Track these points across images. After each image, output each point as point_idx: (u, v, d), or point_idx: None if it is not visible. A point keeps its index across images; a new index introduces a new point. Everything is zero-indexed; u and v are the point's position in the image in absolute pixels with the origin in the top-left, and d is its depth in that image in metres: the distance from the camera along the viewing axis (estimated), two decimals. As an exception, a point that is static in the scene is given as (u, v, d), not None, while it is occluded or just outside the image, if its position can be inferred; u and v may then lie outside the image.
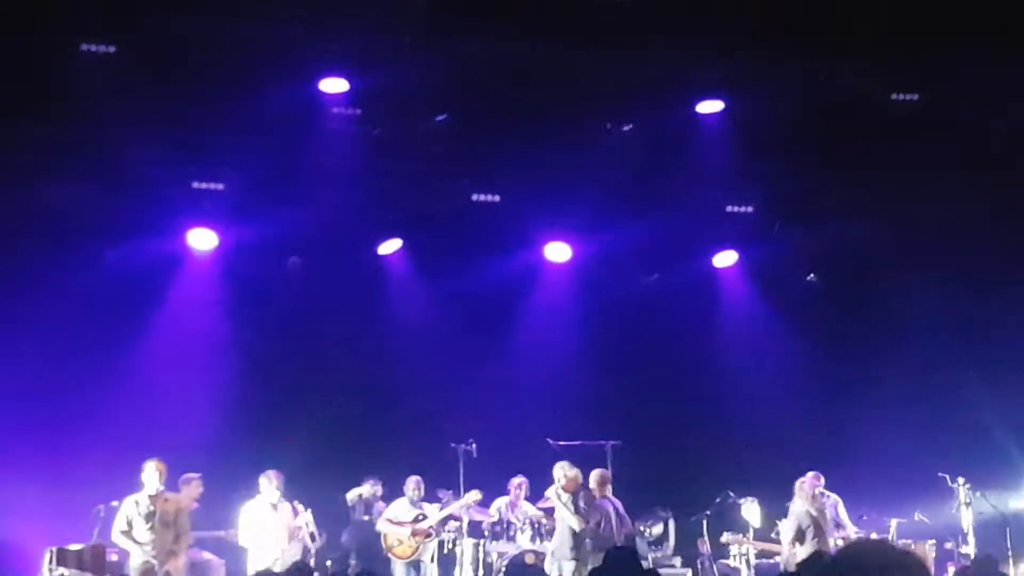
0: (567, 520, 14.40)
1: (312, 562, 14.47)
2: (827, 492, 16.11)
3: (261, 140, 16.21)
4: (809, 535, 14.46)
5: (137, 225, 16.80)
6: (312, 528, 14.97)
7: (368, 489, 16.55)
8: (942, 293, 18.04)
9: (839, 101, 16.48)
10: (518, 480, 16.55)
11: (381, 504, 16.39)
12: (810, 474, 15.94)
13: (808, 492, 14.90)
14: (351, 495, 16.53)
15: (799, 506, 14.75)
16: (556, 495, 14.55)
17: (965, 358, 17.94)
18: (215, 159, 16.81)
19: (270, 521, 14.62)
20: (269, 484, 14.76)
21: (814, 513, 14.71)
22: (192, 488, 14.92)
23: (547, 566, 14.74)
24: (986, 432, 17.62)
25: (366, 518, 16.43)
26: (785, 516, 15.03)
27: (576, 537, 14.35)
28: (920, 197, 17.53)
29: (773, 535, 15.62)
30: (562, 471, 14.65)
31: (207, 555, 15.07)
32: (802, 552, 14.12)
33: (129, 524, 13.40)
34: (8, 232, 16.22)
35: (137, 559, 13.37)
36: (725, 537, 15.83)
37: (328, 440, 17.14)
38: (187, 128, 16.05)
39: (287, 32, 15.23)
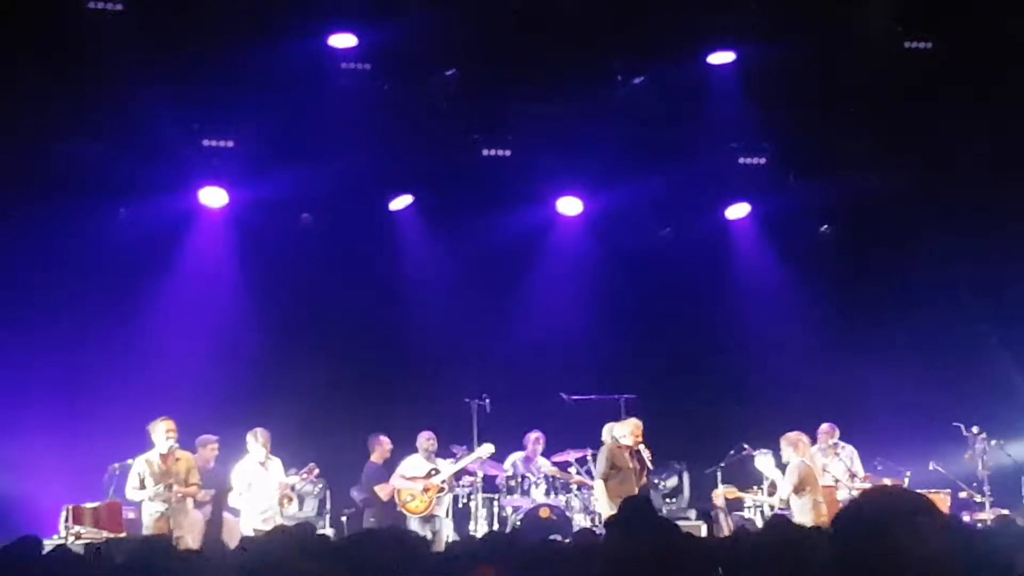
0: None
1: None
2: (842, 443, 16.10)
3: (270, 97, 16.19)
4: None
5: (149, 183, 16.75)
6: (289, 491, 14.81)
7: (379, 454, 16.45)
8: (956, 243, 17.97)
9: (852, 50, 16.38)
10: (535, 435, 16.59)
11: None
12: (825, 425, 15.93)
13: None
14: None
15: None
16: None
17: (981, 307, 17.90)
18: (225, 117, 16.81)
19: (259, 480, 14.58)
20: (255, 441, 14.63)
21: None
22: (208, 451, 14.99)
23: None
24: (1002, 381, 17.60)
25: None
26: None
27: None
28: (934, 147, 17.45)
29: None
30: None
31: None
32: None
33: (142, 482, 13.48)
34: (22, 192, 16.19)
35: (150, 516, 13.44)
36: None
37: (342, 397, 17.20)
38: (196, 86, 16.05)
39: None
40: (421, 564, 5.71)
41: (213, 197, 17.41)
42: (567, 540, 11.00)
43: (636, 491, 14.22)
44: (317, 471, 14.95)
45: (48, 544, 12.39)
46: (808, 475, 14.23)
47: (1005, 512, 14.76)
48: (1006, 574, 4.29)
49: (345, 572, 5.19)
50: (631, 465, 14.52)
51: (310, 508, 15.71)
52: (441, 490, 15.70)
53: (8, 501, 14.97)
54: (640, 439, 14.68)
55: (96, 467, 14.00)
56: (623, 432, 14.67)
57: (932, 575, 3.23)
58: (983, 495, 15.77)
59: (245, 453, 14.76)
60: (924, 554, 3.24)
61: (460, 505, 16.29)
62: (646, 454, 14.81)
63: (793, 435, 14.60)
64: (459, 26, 15.65)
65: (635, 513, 5.14)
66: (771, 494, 15.13)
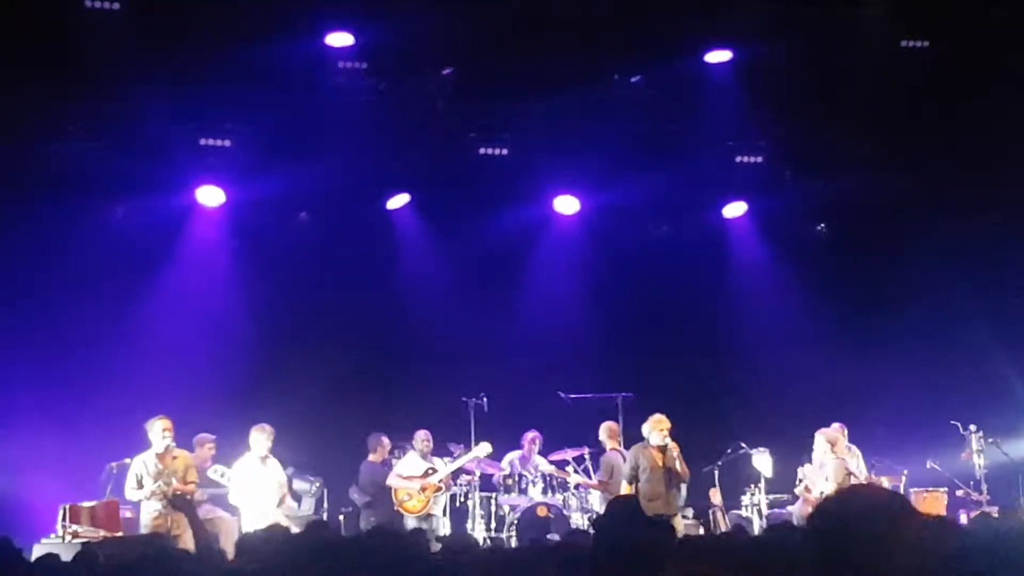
0: None
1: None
2: (850, 444, 16.03)
3: (267, 96, 16.21)
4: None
5: (146, 182, 16.78)
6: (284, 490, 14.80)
7: (380, 454, 16.42)
8: (953, 242, 17.96)
9: (849, 49, 16.38)
10: (531, 434, 16.58)
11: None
12: (835, 425, 15.83)
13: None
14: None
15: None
16: None
17: (977, 306, 17.88)
18: (221, 116, 16.82)
19: (259, 476, 14.52)
20: (260, 434, 14.58)
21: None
22: (205, 450, 14.96)
23: None
24: (998, 380, 17.60)
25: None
26: (797, 465, 15.04)
27: None
28: (930, 146, 17.45)
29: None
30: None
31: (219, 511, 15.12)
32: None
33: (139, 482, 13.45)
34: (19, 191, 16.19)
35: (149, 516, 13.42)
36: None
37: (338, 395, 17.19)
38: (193, 85, 16.02)
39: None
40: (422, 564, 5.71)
41: (210, 196, 17.44)
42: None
43: (664, 491, 13.93)
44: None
45: (46, 543, 12.54)
46: (845, 475, 14.31)
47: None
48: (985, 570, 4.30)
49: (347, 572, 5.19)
50: (660, 464, 14.01)
51: (307, 507, 15.68)
52: (438, 489, 15.69)
53: (5, 500, 14.95)
54: (666, 433, 14.05)
55: (94, 466, 14.01)
56: (647, 431, 14.17)
57: (905, 571, 3.25)
58: (980, 493, 15.79)
59: (247, 450, 14.72)
60: (897, 551, 3.26)
61: (457, 504, 16.30)
62: (673, 450, 14.11)
63: (831, 432, 14.64)
64: (455, 25, 15.63)
65: (623, 512, 5.15)
66: (769, 492, 15.17)
